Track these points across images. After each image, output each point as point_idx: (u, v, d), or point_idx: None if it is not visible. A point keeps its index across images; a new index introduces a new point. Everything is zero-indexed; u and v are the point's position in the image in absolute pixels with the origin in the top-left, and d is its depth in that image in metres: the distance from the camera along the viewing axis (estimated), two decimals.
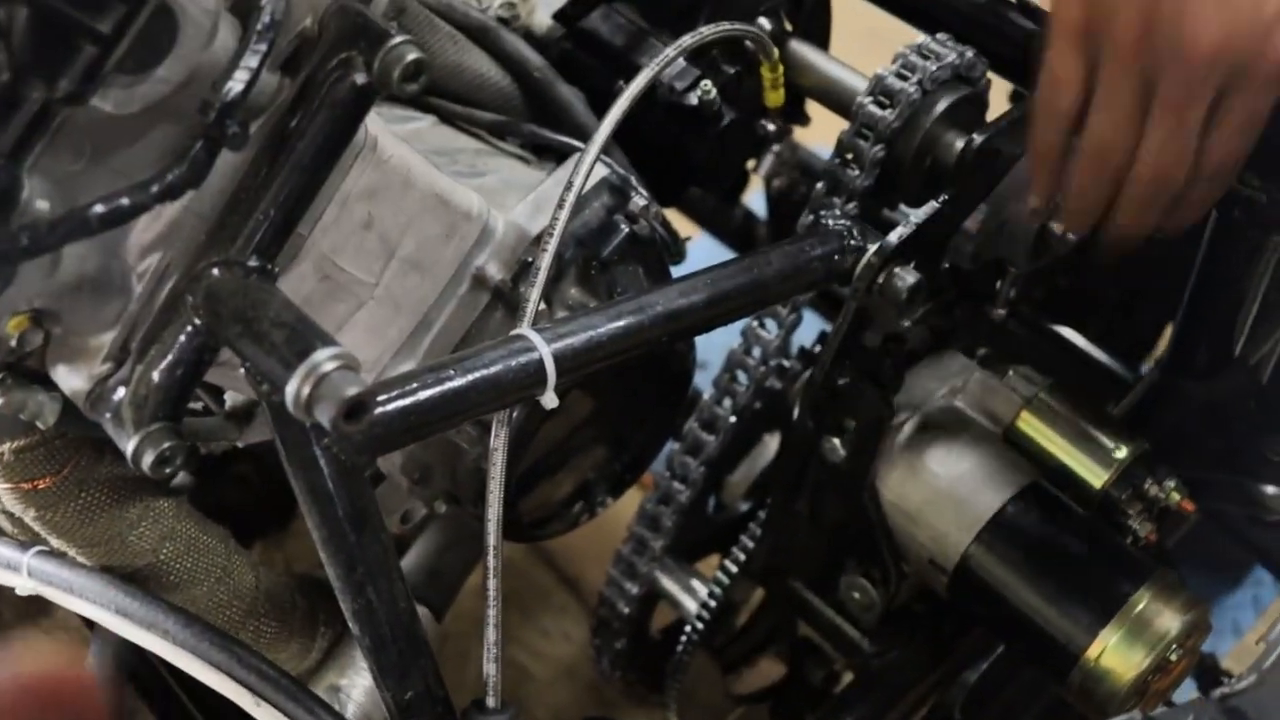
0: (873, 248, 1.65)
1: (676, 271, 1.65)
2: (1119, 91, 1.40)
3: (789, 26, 1.93)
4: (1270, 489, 1.91)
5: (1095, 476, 1.76)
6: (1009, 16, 1.78)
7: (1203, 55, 1.32)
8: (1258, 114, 1.39)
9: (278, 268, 1.31)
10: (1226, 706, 1.38)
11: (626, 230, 1.63)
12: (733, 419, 1.96)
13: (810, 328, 2.00)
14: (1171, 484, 1.76)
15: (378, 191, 1.43)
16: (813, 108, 2.08)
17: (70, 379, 1.33)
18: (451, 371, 1.29)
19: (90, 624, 1.83)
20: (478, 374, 1.30)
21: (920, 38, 1.75)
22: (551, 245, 1.50)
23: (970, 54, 1.72)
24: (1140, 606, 1.67)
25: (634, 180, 1.66)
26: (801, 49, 1.91)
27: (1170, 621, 1.67)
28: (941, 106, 1.70)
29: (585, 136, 1.63)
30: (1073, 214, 1.56)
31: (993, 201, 1.68)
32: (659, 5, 1.85)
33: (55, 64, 1.12)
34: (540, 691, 2.73)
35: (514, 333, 1.38)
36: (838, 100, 1.87)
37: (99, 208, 1.14)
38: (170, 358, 1.30)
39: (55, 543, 1.54)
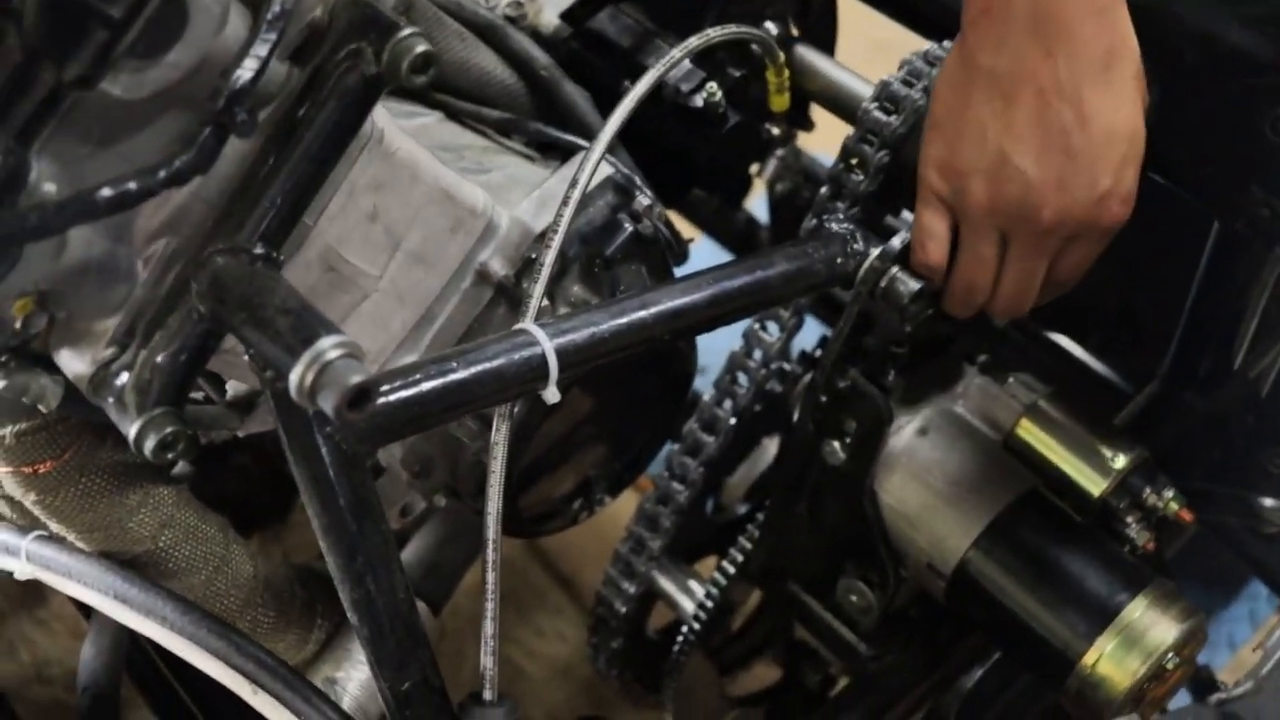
0: (876, 251, 1.65)
1: (677, 274, 1.65)
2: (979, 244, 1.57)
3: (795, 31, 1.94)
4: (1269, 502, 1.90)
5: (1094, 485, 1.76)
6: None
7: (1046, 224, 1.51)
8: (1095, 252, 1.59)
9: (283, 256, 1.32)
10: (1225, 712, 1.38)
11: (630, 229, 1.63)
12: (733, 420, 1.96)
13: (811, 333, 2.00)
14: (1170, 494, 1.76)
15: (384, 184, 1.43)
16: (817, 116, 2.09)
17: (74, 363, 1.33)
18: (454, 364, 1.29)
19: (86, 614, 1.84)
20: (480, 367, 1.31)
21: (927, 46, 1.76)
22: (555, 242, 1.50)
23: None
24: (1137, 614, 1.68)
25: (638, 180, 1.66)
26: (807, 54, 1.92)
27: (1166, 630, 1.67)
28: None
29: (590, 135, 1.63)
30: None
31: None
32: (666, 7, 1.86)
33: (66, 47, 1.13)
34: (535, 690, 2.73)
35: (517, 327, 1.38)
36: (843, 105, 1.87)
37: (106, 191, 1.15)
38: (175, 343, 1.30)
39: (55, 527, 1.55)
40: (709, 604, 2.03)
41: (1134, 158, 1.49)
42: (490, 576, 1.49)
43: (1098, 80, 1.44)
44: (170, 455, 1.30)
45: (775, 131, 1.95)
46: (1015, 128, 1.46)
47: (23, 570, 1.57)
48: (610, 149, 1.58)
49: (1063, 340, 2.08)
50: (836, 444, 1.80)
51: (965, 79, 1.49)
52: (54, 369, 1.36)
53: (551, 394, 1.38)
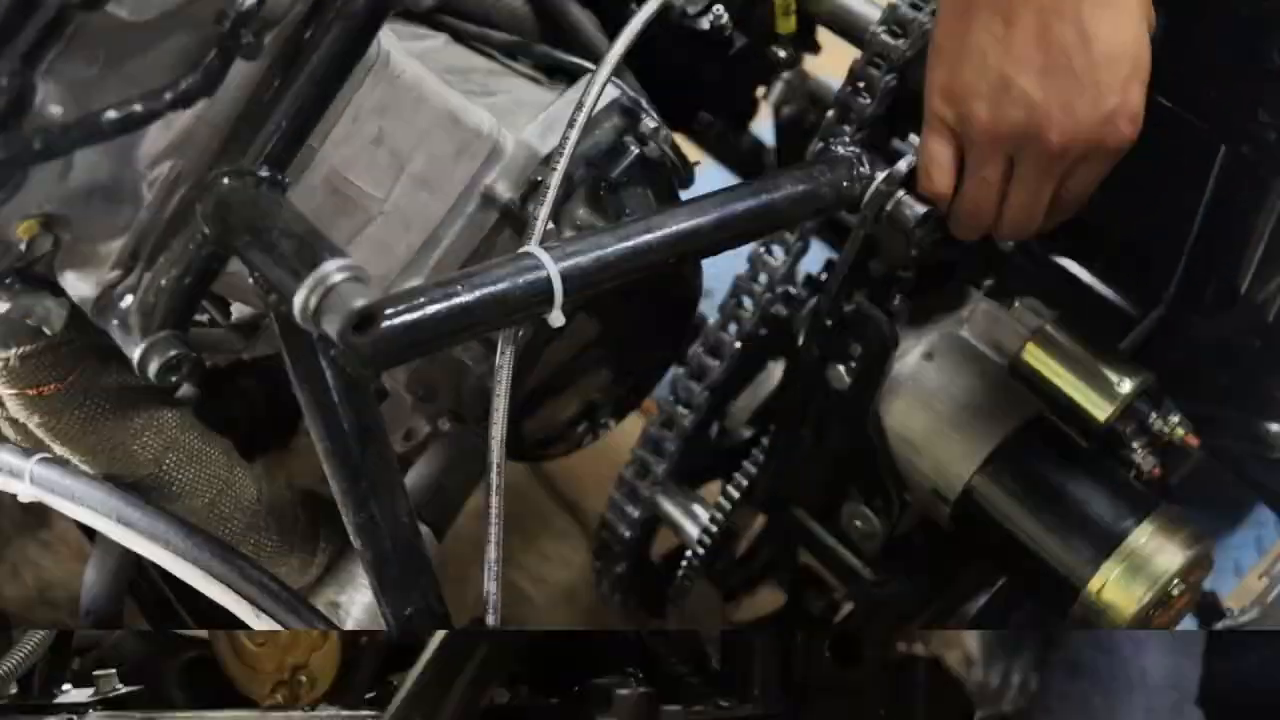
0: (882, 175, 1.64)
1: (683, 197, 1.65)
2: (984, 168, 1.55)
3: None
4: (1275, 426, 1.90)
5: (1099, 410, 1.75)
6: None
7: (1053, 146, 1.48)
8: (1102, 173, 1.55)
9: (288, 180, 1.31)
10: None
11: (636, 152, 1.62)
12: (737, 344, 1.95)
13: (816, 256, 1.99)
14: (1176, 419, 1.75)
15: (389, 107, 1.42)
16: (823, 39, 2.08)
17: (78, 285, 1.33)
18: (459, 287, 1.29)
19: (90, 537, 1.84)
20: (485, 290, 1.30)
21: None
22: (561, 165, 1.49)
23: None
24: (1142, 540, 1.67)
25: (644, 103, 1.65)
26: None
27: (1172, 557, 1.66)
28: None
29: (597, 58, 1.62)
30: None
31: None
32: None
33: None
34: (538, 615, 2.73)
35: (522, 250, 1.38)
36: (850, 28, 1.86)
37: (112, 113, 1.14)
38: (179, 266, 1.30)
39: (58, 450, 1.54)
40: (713, 529, 2.03)
41: (1139, 76, 1.47)
42: (494, 501, 1.49)
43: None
44: (174, 378, 1.30)
45: (781, 54, 1.94)
46: (1016, 50, 1.45)
47: (26, 493, 1.56)
48: (616, 71, 1.57)
49: (1068, 264, 2.07)
50: (841, 368, 1.79)
51: (965, 3, 1.47)
52: (59, 291, 1.36)
53: (556, 317, 1.37)
